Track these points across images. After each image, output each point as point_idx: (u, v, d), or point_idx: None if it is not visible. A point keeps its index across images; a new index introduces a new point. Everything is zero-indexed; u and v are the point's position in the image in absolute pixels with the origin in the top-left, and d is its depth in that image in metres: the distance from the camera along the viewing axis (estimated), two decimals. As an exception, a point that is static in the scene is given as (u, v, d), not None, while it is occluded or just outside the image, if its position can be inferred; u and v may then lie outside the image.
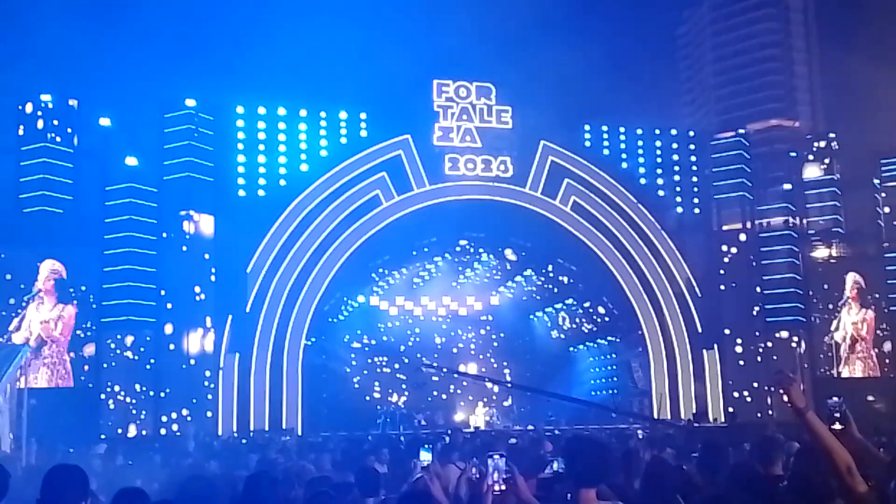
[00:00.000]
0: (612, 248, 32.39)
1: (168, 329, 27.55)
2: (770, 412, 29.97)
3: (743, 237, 33.95)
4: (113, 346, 27.17)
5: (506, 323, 38.33)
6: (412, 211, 30.80)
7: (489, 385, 36.81)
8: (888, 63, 49.48)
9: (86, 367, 26.97)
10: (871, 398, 31.25)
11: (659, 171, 34.19)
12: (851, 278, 34.12)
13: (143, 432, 26.41)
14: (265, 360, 28.89)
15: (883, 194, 36.27)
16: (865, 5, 67.23)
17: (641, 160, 34.15)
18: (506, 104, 31.92)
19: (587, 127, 33.80)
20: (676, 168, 34.33)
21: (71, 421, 22.95)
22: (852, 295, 34.06)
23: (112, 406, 26.76)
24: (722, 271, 33.52)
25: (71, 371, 26.69)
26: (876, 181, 36.42)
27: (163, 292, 27.71)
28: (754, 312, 33.33)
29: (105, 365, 27.07)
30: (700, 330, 32.69)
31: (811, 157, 36.90)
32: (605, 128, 34.05)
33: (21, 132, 28.33)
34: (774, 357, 32.65)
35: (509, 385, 36.73)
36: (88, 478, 4.81)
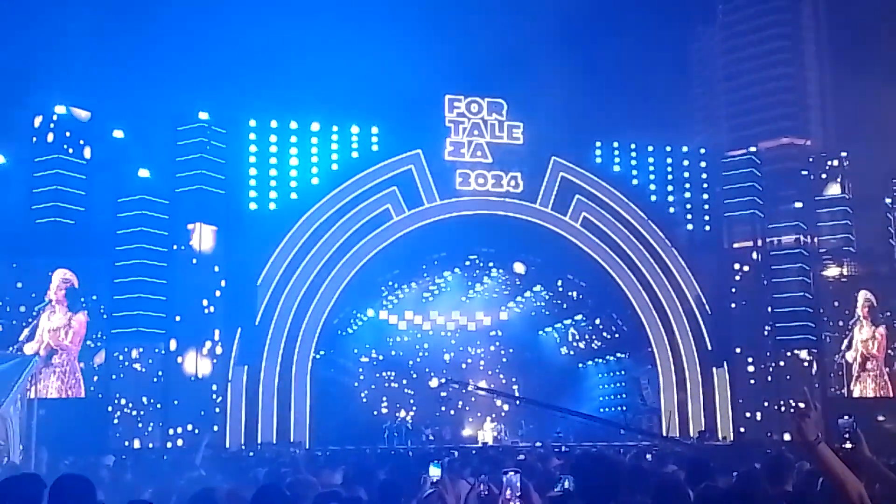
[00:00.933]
0: (622, 265, 32.32)
1: (173, 345, 27.57)
2: (785, 436, 29.69)
3: (756, 256, 33.80)
4: (121, 357, 27.22)
5: (515, 338, 38.27)
6: (422, 225, 30.82)
7: (499, 403, 36.74)
8: (900, 82, 49.39)
9: (95, 378, 27.01)
10: (881, 418, 31.04)
11: (670, 188, 34.17)
12: (863, 296, 33.96)
13: (151, 445, 26.40)
14: (274, 372, 28.89)
15: (895, 213, 36.14)
16: (877, 24, 67.23)
17: (652, 177, 34.14)
18: (517, 120, 31.97)
19: (598, 143, 33.84)
20: (687, 185, 34.30)
21: (80, 431, 22.95)
22: (863, 313, 33.89)
23: (120, 417, 26.78)
24: (734, 290, 33.38)
25: (82, 380, 26.73)
26: (888, 200, 36.36)
27: (172, 304, 27.76)
28: (765, 332, 33.16)
29: (114, 376, 27.11)
30: (710, 348, 32.56)
31: (823, 175, 36.82)
32: (616, 144, 34.07)
33: (35, 143, 28.52)
34: (788, 377, 32.46)
35: (526, 402, 36.57)
36: (95, 489, 4.80)
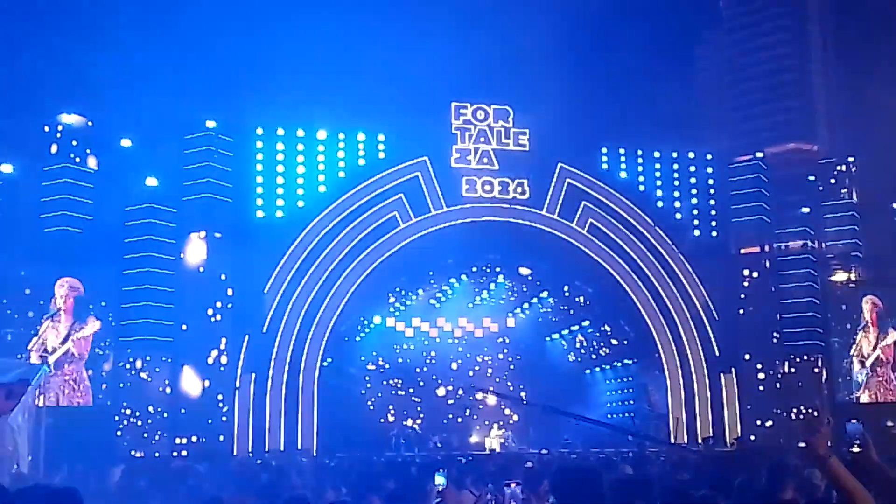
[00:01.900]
0: (629, 271, 32.29)
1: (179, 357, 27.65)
2: (799, 444, 29.53)
3: (763, 261, 33.71)
4: (127, 366, 27.26)
5: (522, 345, 38.21)
6: (429, 232, 30.86)
7: (507, 411, 36.68)
8: (907, 87, 49.28)
9: (104, 386, 27.03)
10: (889, 423, 30.87)
11: (676, 193, 34.15)
12: (870, 301, 33.82)
13: (157, 454, 26.40)
14: (281, 380, 28.93)
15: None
16: (884, 29, 67.08)
17: (659, 183, 34.14)
18: (523, 127, 32.01)
19: (604, 149, 33.85)
20: (694, 191, 34.28)
21: (88, 440, 22.94)
22: (871, 318, 33.74)
23: (126, 427, 26.79)
24: (741, 295, 33.30)
25: (90, 388, 26.74)
26: (895, 205, 36.21)
27: (179, 313, 27.80)
28: (773, 338, 33.07)
29: (121, 385, 27.14)
30: (717, 354, 32.49)
31: (831, 180, 36.75)
32: (622, 150, 34.08)
33: (42, 153, 28.61)
34: (800, 384, 32.34)
35: (543, 408, 36.41)
36: (83, 500, 4.55)
